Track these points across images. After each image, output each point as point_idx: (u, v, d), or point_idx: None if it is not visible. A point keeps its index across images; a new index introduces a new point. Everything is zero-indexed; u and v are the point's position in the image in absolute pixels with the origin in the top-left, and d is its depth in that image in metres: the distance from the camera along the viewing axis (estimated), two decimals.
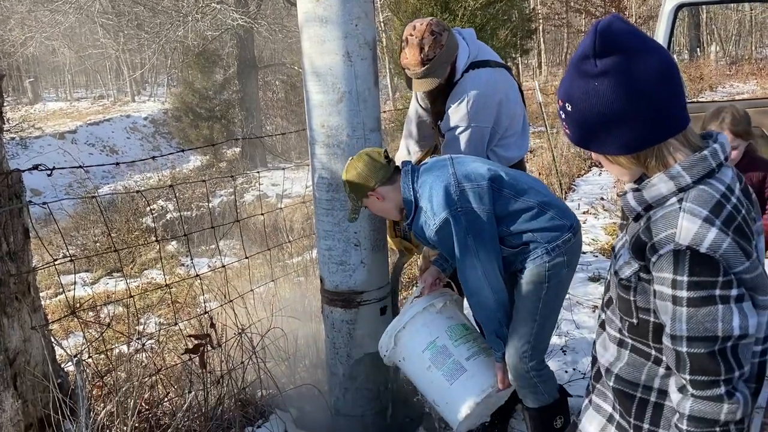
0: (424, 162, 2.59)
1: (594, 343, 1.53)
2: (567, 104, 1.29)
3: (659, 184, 1.27)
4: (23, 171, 2.22)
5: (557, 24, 28.21)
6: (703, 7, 24.38)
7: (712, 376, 1.22)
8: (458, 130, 2.81)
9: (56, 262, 2.35)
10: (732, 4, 30.18)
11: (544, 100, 8.45)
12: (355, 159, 2.54)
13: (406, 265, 3.51)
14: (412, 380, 2.70)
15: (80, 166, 2.36)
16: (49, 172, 2.27)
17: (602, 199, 7.90)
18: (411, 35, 2.77)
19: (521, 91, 3.04)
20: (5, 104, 2.30)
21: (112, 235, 8.34)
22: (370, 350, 2.93)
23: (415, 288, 2.93)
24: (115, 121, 21.73)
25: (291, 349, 3.36)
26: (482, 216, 2.35)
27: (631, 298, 1.34)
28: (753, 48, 33.15)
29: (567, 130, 1.33)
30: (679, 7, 3.97)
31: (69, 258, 2.41)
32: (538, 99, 8.30)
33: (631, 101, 1.22)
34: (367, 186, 2.50)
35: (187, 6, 14.49)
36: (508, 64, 14.68)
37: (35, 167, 2.25)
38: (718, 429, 1.24)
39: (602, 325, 1.50)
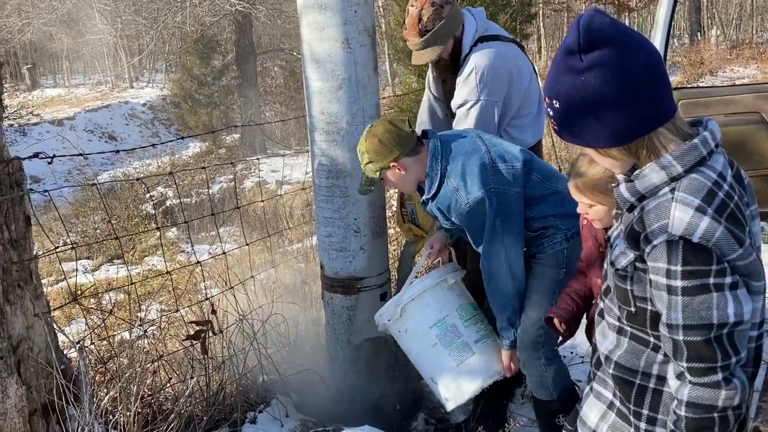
0: (446, 133, 2.48)
1: (594, 333, 1.54)
2: (554, 101, 1.29)
3: (651, 175, 1.28)
4: (24, 159, 2.23)
5: (557, 8, 28.01)
6: None
7: (709, 363, 1.24)
8: (468, 105, 2.72)
9: (57, 250, 2.36)
10: None
11: (543, 84, 8.41)
12: (378, 126, 2.37)
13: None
14: (408, 353, 2.65)
15: (81, 154, 2.36)
16: (49, 160, 2.27)
17: None
18: (412, 6, 2.68)
19: (536, 73, 2.93)
20: (4, 91, 2.30)
21: (112, 222, 8.35)
22: (371, 336, 2.95)
23: (419, 259, 2.86)
24: (114, 108, 21.63)
25: (292, 334, 3.38)
26: (513, 199, 2.29)
27: (628, 288, 1.35)
28: (754, 32, 32.93)
29: (556, 127, 1.33)
30: None
31: (71, 245, 2.42)
32: (539, 85, 8.26)
33: (621, 92, 1.22)
34: (390, 156, 2.32)
35: None
36: None
37: (36, 155, 2.26)
38: (716, 414, 1.26)
39: (601, 314, 1.52)
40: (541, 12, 23.89)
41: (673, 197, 1.24)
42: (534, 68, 2.93)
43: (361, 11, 2.70)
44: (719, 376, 1.24)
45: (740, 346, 1.25)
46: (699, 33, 27.10)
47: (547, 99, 1.31)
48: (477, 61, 2.67)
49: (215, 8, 14.99)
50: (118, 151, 2.58)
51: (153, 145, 2.96)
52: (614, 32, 1.23)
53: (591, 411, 1.54)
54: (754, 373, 1.36)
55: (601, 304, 1.52)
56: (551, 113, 1.32)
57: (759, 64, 20.16)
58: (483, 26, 2.76)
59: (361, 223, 2.87)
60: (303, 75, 2.88)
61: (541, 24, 25.99)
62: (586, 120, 1.27)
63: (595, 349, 1.54)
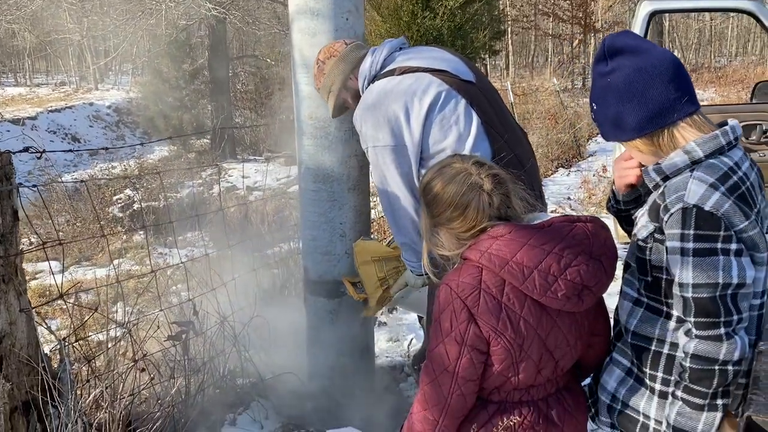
0: None
1: (616, 308, 1.72)
2: (594, 104, 1.58)
3: (675, 158, 1.50)
4: (14, 153, 2.21)
5: (525, 26, 28.56)
6: (666, 15, 24.99)
7: (713, 317, 1.43)
8: (366, 153, 2.51)
9: (45, 246, 2.34)
10: (693, 14, 31.01)
11: (514, 99, 8.59)
12: None
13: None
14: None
15: (71, 150, 2.35)
16: (39, 155, 2.26)
17: (569, 198, 8.09)
18: None
19: (491, 101, 2.47)
20: None
21: (77, 224, 8.18)
22: (352, 339, 2.98)
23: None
24: (78, 109, 21.13)
25: (272, 337, 3.38)
26: None
27: (647, 258, 1.57)
28: (712, 57, 34.14)
29: (600, 129, 1.61)
30: (653, 14, 4.12)
31: (58, 241, 2.40)
32: (510, 99, 8.45)
33: (641, 86, 1.47)
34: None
35: None
36: (478, 65, 14.52)
37: (26, 149, 2.24)
38: (716, 367, 1.44)
39: (621, 290, 1.71)
40: (509, 29, 24.34)
41: (691, 175, 1.46)
42: (490, 97, 2.49)
43: (352, 19, 2.76)
44: (722, 330, 1.43)
45: (742, 307, 1.44)
46: None
47: (591, 105, 1.60)
48: (358, 108, 2.46)
49: (190, 12, 14.86)
50: (107, 149, 2.58)
51: (141, 144, 2.96)
52: (633, 42, 1.52)
53: (610, 377, 1.71)
54: (756, 341, 1.52)
55: (622, 282, 1.71)
56: (594, 117, 1.61)
57: (717, 88, 20.90)
58: (376, 65, 2.47)
59: (347, 227, 2.90)
60: (293, 80, 2.91)
61: (510, 41, 26.44)
62: (614, 115, 1.53)
63: (616, 323, 1.75)
